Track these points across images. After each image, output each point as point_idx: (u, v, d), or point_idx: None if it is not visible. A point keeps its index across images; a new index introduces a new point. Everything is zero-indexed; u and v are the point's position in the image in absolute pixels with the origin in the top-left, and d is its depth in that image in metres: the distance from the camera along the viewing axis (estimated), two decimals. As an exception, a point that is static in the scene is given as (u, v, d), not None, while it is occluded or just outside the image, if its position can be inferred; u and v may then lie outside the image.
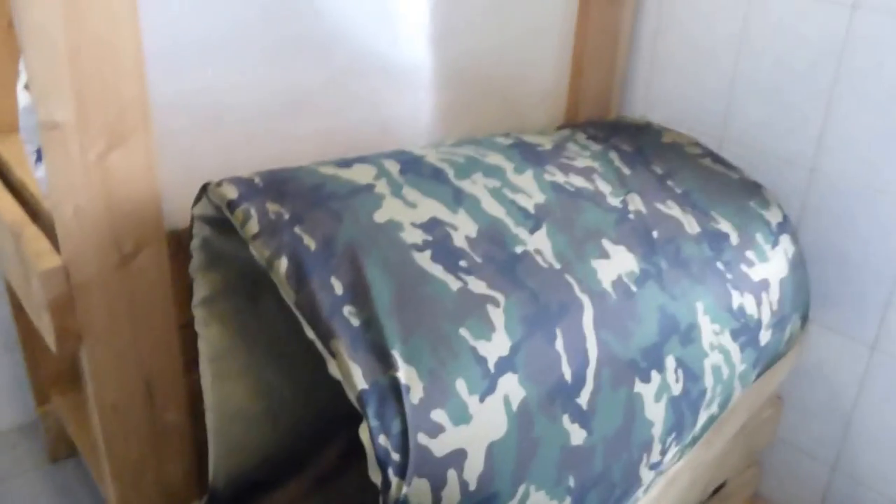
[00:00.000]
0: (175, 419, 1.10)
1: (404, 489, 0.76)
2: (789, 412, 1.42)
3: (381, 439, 0.76)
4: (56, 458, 1.58)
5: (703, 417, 1.04)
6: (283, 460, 1.15)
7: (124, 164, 0.97)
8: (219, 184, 0.92)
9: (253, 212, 0.88)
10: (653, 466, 0.98)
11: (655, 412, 0.95)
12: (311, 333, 0.83)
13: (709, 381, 1.01)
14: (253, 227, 0.87)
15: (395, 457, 0.76)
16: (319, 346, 0.82)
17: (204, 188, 0.93)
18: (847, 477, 1.37)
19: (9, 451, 1.61)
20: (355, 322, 0.82)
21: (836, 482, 1.39)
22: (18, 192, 1.21)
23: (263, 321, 1.11)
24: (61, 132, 0.91)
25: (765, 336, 1.09)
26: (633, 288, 0.96)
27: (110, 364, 1.03)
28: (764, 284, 1.09)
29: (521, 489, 0.83)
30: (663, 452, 0.98)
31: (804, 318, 1.20)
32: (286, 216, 0.88)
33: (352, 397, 0.78)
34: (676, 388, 0.97)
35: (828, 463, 1.39)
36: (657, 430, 0.95)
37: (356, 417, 1.19)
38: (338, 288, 0.84)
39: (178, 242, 1.05)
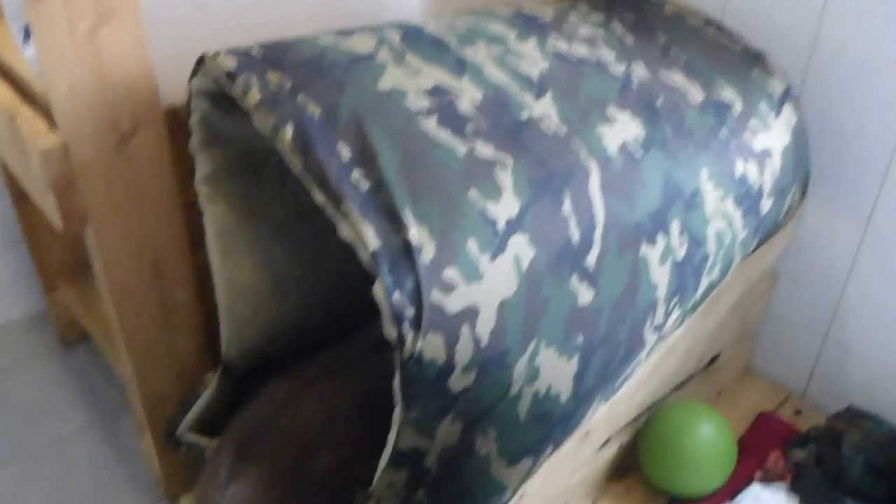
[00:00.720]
0: (184, 296, 1.11)
1: (419, 344, 0.77)
2: (783, 287, 1.44)
3: (396, 295, 0.77)
4: (68, 344, 1.59)
5: (704, 283, 1.05)
6: (293, 337, 1.16)
7: (115, 38, 0.94)
8: (216, 55, 0.89)
9: (254, 81, 0.86)
10: (656, 329, 0.99)
11: (660, 275, 0.95)
12: (319, 198, 0.82)
13: (711, 246, 1.02)
14: (254, 96, 0.85)
15: (410, 312, 0.77)
16: (329, 210, 0.81)
17: (200, 60, 0.90)
18: (837, 347, 1.40)
19: (21, 339, 1.62)
20: (364, 186, 0.81)
21: (826, 353, 1.42)
22: (8, 77, 1.17)
23: (267, 200, 1.09)
24: (47, 5, 0.88)
25: (766, 204, 1.09)
26: (639, 154, 0.95)
27: (117, 243, 1.03)
28: (766, 153, 1.09)
29: (532, 345, 0.84)
30: (666, 315, 0.99)
31: (804, 189, 1.20)
32: (288, 85, 0.86)
33: (364, 258, 0.78)
34: (680, 253, 0.97)
35: (819, 335, 1.42)
36: (661, 293, 0.96)
37: (365, 297, 1.21)
38: (345, 154, 0.82)
39: (176, 120, 1.03)
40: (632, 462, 1.33)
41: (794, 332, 1.45)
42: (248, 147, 1.05)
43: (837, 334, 1.39)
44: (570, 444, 1.09)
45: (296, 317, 1.15)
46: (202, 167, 1.02)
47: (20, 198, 1.46)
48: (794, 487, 1.26)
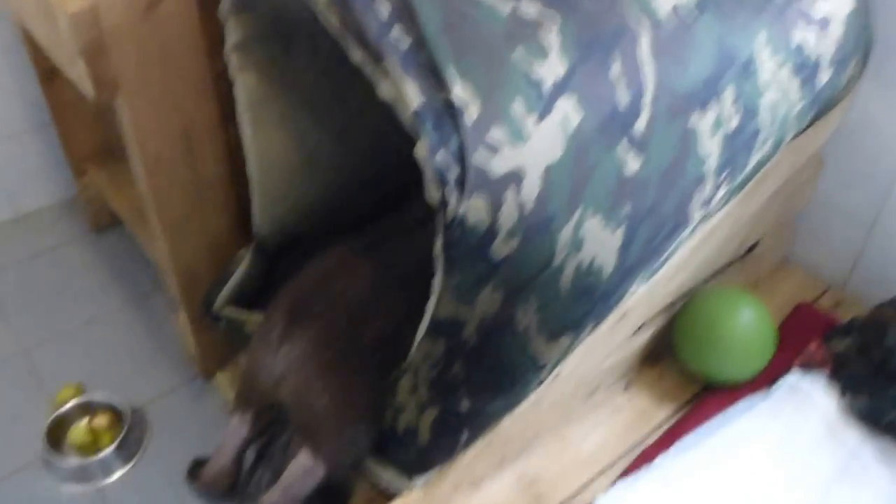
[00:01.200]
0: (216, 171, 1.08)
1: (462, 207, 0.74)
2: (829, 173, 1.39)
3: (440, 155, 0.73)
4: (99, 228, 1.59)
5: (754, 158, 1.00)
6: (324, 215, 1.14)
7: None
8: None
9: (286, -62, 0.81)
10: (703, 204, 0.96)
11: (710, 147, 0.91)
12: (358, 56, 0.78)
13: (765, 118, 0.97)
14: (288, -49, 0.80)
15: (454, 173, 0.74)
16: (368, 68, 0.78)
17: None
18: (883, 237, 1.36)
19: (52, 225, 1.62)
20: (405, 43, 0.76)
21: (871, 243, 1.38)
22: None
23: (299, 71, 1.05)
24: None
25: (823, 76, 1.03)
26: (692, 16, 0.89)
27: (148, 114, 1.00)
28: (826, 20, 1.02)
29: (577, 214, 0.81)
30: (714, 190, 0.96)
31: (864, 62, 1.13)
32: (322, -60, 0.81)
33: (406, 117, 0.75)
34: (732, 124, 0.92)
35: (865, 224, 1.37)
36: (711, 166, 0.92)
37: (396, 179, 1.17)
38: (383, 10, 0.78)
39: (206, -16, 0.98)
40: (665, 348, 1.31)
41: (838, 220, 1.41)
42: (280, 13, 1.00)
43: (885, 224, 1.34)
44: (606, 327, 1.08)
45: (327, 195, 1.12)
46: (232, 34, 0.98)
47: (48, 78, 1.43)
48: (835, 377, 1.23)
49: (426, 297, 0.99)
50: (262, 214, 1.08)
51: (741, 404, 1.21)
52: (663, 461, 1.14)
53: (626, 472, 1.14)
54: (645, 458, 1.15)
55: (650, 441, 1.20)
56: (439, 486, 1.07)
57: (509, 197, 0.76)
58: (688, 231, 0.99)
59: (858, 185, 1.36)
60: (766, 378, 1.24)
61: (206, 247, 1.13)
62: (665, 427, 1.22)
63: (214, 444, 1.15)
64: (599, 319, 0.96)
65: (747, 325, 1.21)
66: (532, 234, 0.79)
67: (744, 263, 1.39)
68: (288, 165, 1.06)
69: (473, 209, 0.75)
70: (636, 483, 1.10)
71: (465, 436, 1.02)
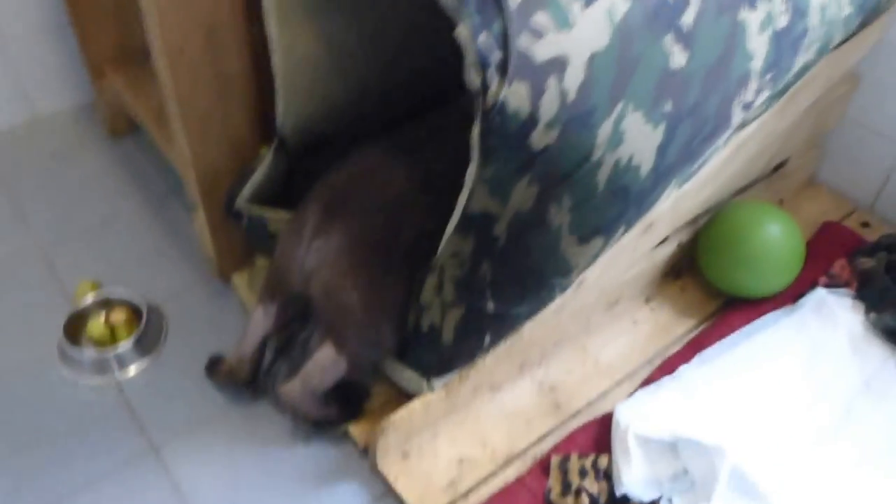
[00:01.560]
0: (239, 67, 1.04)
1: (503, 92, 0.71)
2: (862, 93, 1.34)
3: (482, 37, 0.70)
4: (116, 134, 1.56)
5: (799, 62, 0.96)
6: (348, 117, 1.10)
7: None
8: None
9: None
10: (744, 107, 0.92)
11: (757, 44, 0.87)
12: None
13: (813, 19, 0.92)
14: None
15: (496, 56, 0.70)
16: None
17: None
18: (916, 156, 1.32)
19: (69, 129, 1.59)
20: (448, -80, 0.72)
21: (902, 164, 1.35)
22: None
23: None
24: None
25: (875, -22, 0.98)
26: None
27: (172, 6, 0.95)
28: (883, -83, 0.96)
29: (619, 107, 0.77)
30: (757, 93, 0.92)
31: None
32: None
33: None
34: (781, 22, 0.88)
35: (896, 144, 1.34)
36: (756, 65, 0.88)
37: (424, 84, 1.13)
38: None
39: None
40: (688, 263, 1.30)
41: (869, 141, 1.37)
42: None
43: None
44: (632, 236, 1.06)
45: (353, 96, 1.09)
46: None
47: (64, -28, 1.37)
48: (860, 295, 1.22)
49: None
50: (286, 112, 1.04)
51: (765, 319, 1.20)
52: (685, 371, 1.13)
53: (647, 382, 1.14)
54: (666, 368, 1.15)
55: (671, 353, 1.19)
56: (459, 389, 1.07)
57: (551, 84, 0.73)
58: (726, 135, 0.96)
59: (892, 106, 1.31)
60: (790, 294, 1.23)
61: (227, 145, 1.10)
62: (686, 339, 1.21)
63: (230, 343, 1.15)
64: (630, 223, 0.93)
65: (776, 239, 1.18)
66: (572, 126, 0.76)
67: (770, 181, 1.36)
68: (315, 63, 1.02)
69: (514, 95, 0.72)
70: (657, 392, 1.10)
71: (487, 339, 1.01)
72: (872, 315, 1.19)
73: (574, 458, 1.03)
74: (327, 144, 1.13)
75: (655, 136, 0.83)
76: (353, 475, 1.07)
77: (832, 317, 1.19)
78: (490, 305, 0.97)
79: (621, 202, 0.87)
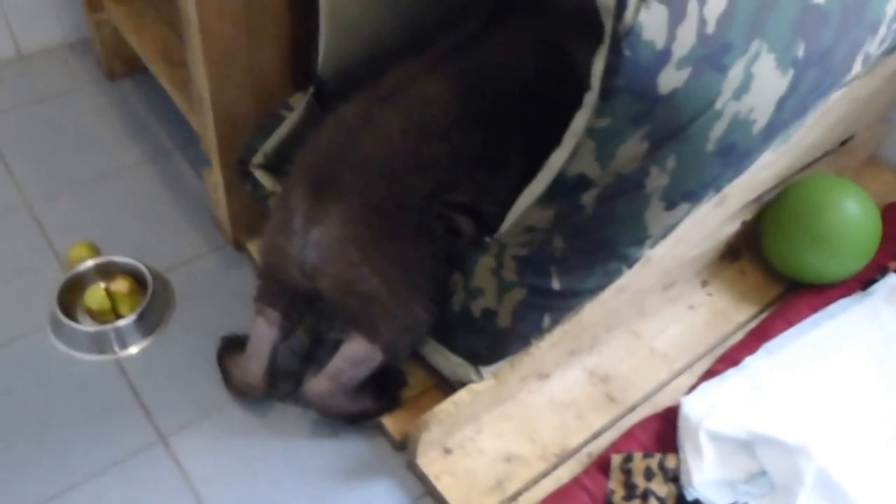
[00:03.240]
0: (271, -3, 0.87)
1: (641, 14, 0.55)
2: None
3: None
4: (113, 74, 1.35)
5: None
6: (393, 58, 0.92)
7: None
8: None
9: None
10: (865, 59, 0.77)
11: (894, -11, 0.72)
12: None
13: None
14: None
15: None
16: None
17: None
18: None
19: (61, 67, 1.37)
20: None
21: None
22: None
23: None
24: None
25: None
26: None
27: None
28: None
29: (754, 46, 0.62)
30: (881, 43, 0.77)
31: None
32: None
33: None
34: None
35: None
36: (890, 10, 0.73)
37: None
38: None
39: None
40: (747, 245, 1.15)
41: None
42: None
43: None
44: (705, 209, 0.91)
45: (404, 32, 0.91)
46: None
47: None
48: (930, 282, 1.09)
49: (470, 143, 0.82)
50: (329, 50, 0.86)
51: (834, 307, 1.06)
52: (751, 363, 0.99)
53: (710, 374, 0.99)
54: (729, 359, 1.01)
55: (731, 342, 1.05)
56: (509, 378, 0.92)
57: (692, 10, 0.58)
58: (843, 84, 0.81)
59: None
60: (858, 280, 1.09)
61: (252, 88, 0.93)
62: (748, 328, 1.07)
63: (246, 320, 0.99)
64: (720, 187, 0.79)
65: (853, 218, 1.04)
66: (704, 66, 0.61)
67: (834, 157, 1.21)
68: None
69: (651, 21, 0.56)
70: (722, 384, 0.96)
71: (547, 321, 0.86)
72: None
73: (638, 457, 0.89)
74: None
75: (781, 85, 0.68)
76: (387, 473, 0.91)
77: (907, 308, 1.05)
78: (555, 284, 0.81)
79: (722, 164, 0.73)
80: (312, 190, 0.81)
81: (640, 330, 1.06)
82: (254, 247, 1.08)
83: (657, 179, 0.70)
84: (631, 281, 0.93)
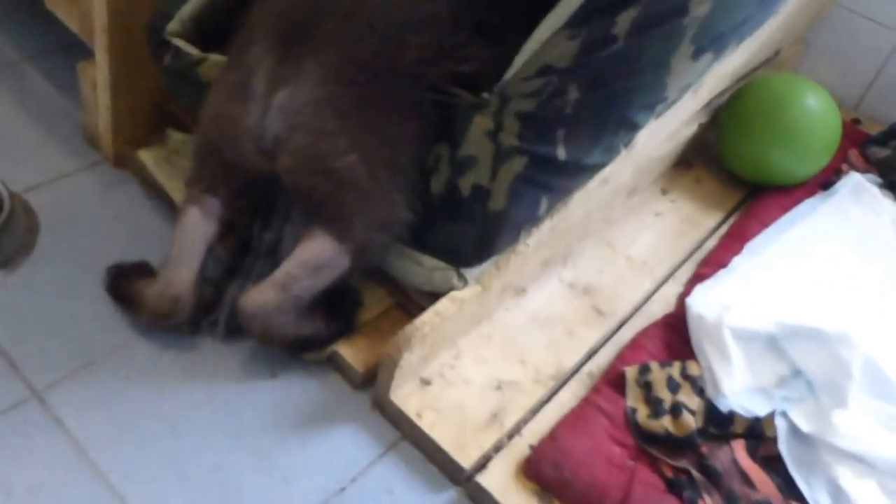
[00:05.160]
0: None
1: None
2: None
3: None
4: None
5: None
6: None
7: None
8: None
9: None
10: None
11: None
12: None
13: None
14: None
15: None
16: None
17: None
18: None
19: None
20: None
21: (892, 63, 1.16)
22: None
23: None
24: None
25: None
26: None
27: None
28: None
29: None
30: None
31: None
32: None
33: None
34: None
35: (887, 43, 1.15)
36: None
37: None
38: None
39: None
40: (699, 152, 1.03)
41: (859, 30, 1.18)
42: None
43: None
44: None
45: None
46: None
47: None
48: (884, 181, 1.02)
49: (473, 4, 0.64)
50: None
51: (803, 206, 0.97)
52: (739, 262, 0.87)
53: (697, 279, 0.86)
54: (715, 262, 0.88)
55: (707, 247, 0.92)
56: (493, 285, 0.72)
57: None
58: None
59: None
60: (816, 183, 1.00)
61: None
62: (719, 233, 0.95)
63: (134, 250, 0.73)
64: (743, 37, 0.65)
65: (817, 110, 0.95)
66: None
67: (765, 70, 1.12)
68: None
69: None
70: (720, 284, 0.82)
71: (543, 206, 0.68)
72: (904, 201, 0.99)
73: (655, 367, 0.72)
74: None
75: None
76: (347, 417, 0.69)
77: (875, 201, 0.98)
78: (561, 152, 0.64)
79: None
80: (280, 42, 0.62)
81: (612, 239, 0.91)
82: (145, 155, 0.81)
83: (700, 5, 0.54)
84: (612, 172, 0.77)
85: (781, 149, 0.95)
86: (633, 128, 0.67)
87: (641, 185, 0.96)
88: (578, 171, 0.67)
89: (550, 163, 0.64)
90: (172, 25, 0.73)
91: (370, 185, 0.63)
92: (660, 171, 0.99)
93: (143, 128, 0.83)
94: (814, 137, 0.94)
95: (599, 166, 0.69)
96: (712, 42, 0.61)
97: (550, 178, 0.65)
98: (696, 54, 0.61)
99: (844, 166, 1.04)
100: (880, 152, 1.07)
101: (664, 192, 0.99)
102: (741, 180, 1.00)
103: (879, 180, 1.02)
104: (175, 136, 0.83)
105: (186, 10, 0.71)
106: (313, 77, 0.61)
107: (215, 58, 0.72)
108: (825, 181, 1.01)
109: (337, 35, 0.62)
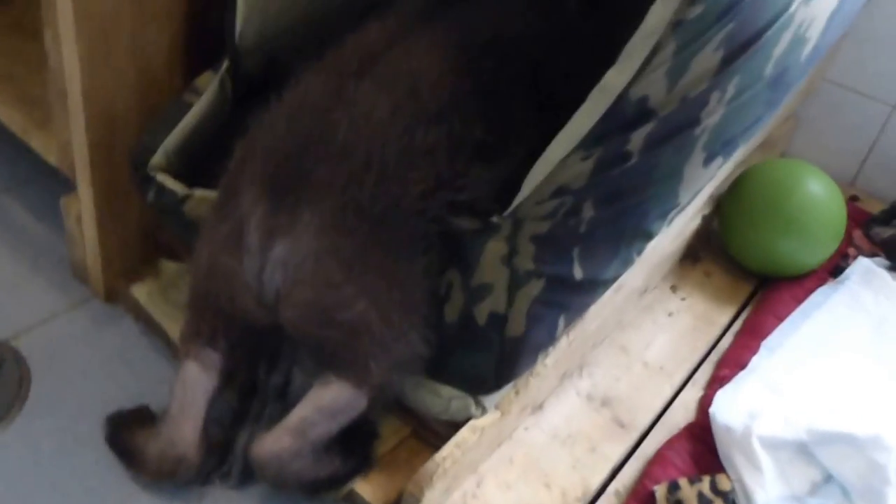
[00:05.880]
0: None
1: None
2: (844, 49, 1.23)
3: None
4: None
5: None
6: (328, 26, 0.76)
7: None
8: None
9: None
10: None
11: None
12: None
13: None
14: None
15: None
16: None
17: None
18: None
19: None
20: None
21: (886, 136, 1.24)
22: None
23: None
24: None
25: None
26: None
27: None
28: None
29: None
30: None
31: None
32: None
33: None
34: None
35: (884, 108, 1.23)
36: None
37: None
38: None
39: None
40: (704, 246, 1.08)
41: (850, 104, 1.26)
42: None
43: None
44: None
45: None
46: None
47: None
48: (891, 263, 1.08)
49: (471, 127, 0.69)
50: (249, 19, 0.69)
51: (816, 297, 1.02)
52: (759, 362, 0.91)
53: (718, 381, 0.89)
54: (733, 363, 0.92)
55: (723, 345, 0.97)
56: (511, 409, 0.75)
57: None
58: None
59: (877, 61, 1.21)
60: (825, 271, 1.06)
61: (136, 75, 0.73)
62: (733, 329, 0.99)
63: (128, 388, 0.75)
64: (751, 137, 0.71)
65: (821, 198, 1.01)
66: None
67: (759, 153, 1.19)
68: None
69: None
70: (742, 388, 0.86)
71: (561, 325, 0.72)
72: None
73: (685, 484, 0.75)
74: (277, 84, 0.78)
75: (831, -1, 0.61)
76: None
77: (884, 288, 1.02)
78: (577, 271, 0.68)
79: (767, 99, 0.67)
80: (272, 190, 0.64)
81: (626, 343, 0.94)
82: (138, 291, 0.84)
83: (712, 114, 0.60)
84: (625, 278, 0.81)
85: (790, 241, 1.00)
86: (648, 237, 0.72)
87: (652, 283, 1.01)
88: (595, 287, 0.71)
89: (567, 283, 0.68)
90: (156, 159, 0.76)
91: (383, 329, 0.66)
92: (669, 267, 1.04)
93: (134, 259, 0.86)
94: (821, 227, 1.00)
95: (615, 279, 0.73)
96: (723, 147, 0.66)
97: (568, 298, 0.69)
98: (708, 161, 0.66)
99: (851, 250, 1.10)
100: (884, 232, 1.13)
101: (674, 289, 1.04)
102: (750, 272, 1.06)
103: (887, 262, 1.08)
104: (169, 267, 0.86)
105: (171, 143, 0.75)
106: (311, 227, 0.64)
107: (200, 194, 0.75)
108: (834, 267, 1.06)
109: (331, 179, 0.65)
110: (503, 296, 0.67)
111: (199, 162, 0.76)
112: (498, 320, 0.68)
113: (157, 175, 0.75)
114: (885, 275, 1.04)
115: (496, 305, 0.68)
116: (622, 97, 0.57)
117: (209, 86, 0.73)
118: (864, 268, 1.04)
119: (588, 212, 0.65)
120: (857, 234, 1.14)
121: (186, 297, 0.72)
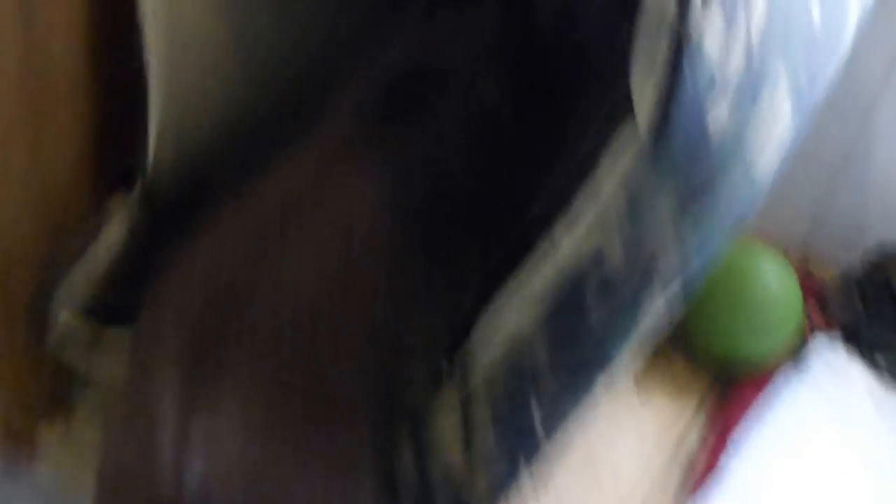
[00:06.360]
0: (63, 49, 0.64)
1: (705, 20, 0.44)
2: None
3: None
4: None
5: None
6: (255, 138, 0.73)
7: None
8: None
9: None
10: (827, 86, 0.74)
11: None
12: None
13: None
14: None
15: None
16: None
17: None
18: (855, 185, 1.25)
19: None
20: None
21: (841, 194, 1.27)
22: None
23: None
24: None
25: None
26: None
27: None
28: None
29: (780, 70, 0.55)
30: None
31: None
32: None
33: None
34: None
35: (831, 171, 1.26)
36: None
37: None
38: None
39: None
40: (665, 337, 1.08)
41: (793, 170, 1.28)
42: None
43: (856, 170, 1.24)
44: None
45: (264, 97, 0.73)
46: None
47: None
48: (851, 340, 1.10)
49: (414, 263, 0.66)
50: (164, 123, 0.65)
51: (779, 385, 1.02)
52: (727, 462, 0.92)
53: (691, 488, 0.89)
54: (706, 465, 0.92)
55: (689, 442, 0.97)
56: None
57: (741, 20, 0.49)
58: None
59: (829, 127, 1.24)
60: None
61: (38, 199, 0.68)
62: (700, 426, 0.99)
63: None
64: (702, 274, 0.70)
65: (778, 282, 1.03)
66: (741, 95, 0.52)
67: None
68: (208, 38, 0.65)
69: (712, 27, 0.46)
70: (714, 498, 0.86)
71: (523, 472, 0.69)
72: (879, 357, 1.08)
73: None
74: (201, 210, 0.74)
75: (787, 120, 0.61)
76: None
77: (844, 373, 1.06)
78: (537, 415, 0.66)
79: (718, 239, 0.66)
80: (192, 354, 0.59)
81: (590, 449, 0.93)
82: (48, 437, 0.78)
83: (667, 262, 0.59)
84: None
85: (750, 324, 1.01)
86: (611, 369, 0.70)
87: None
88: (557, 431, 0.69)
89: (527, 430, 0.66)
90: (71, 284, 0.72)
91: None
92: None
93: (45, 402, 0.81)
94: (782, 322, 1.02)
95: (575, 418, 0.72)
96: (684, 287, 0.66)
97: (528, 444, 0.67)
98: (662, 288, 0.66)
99: (807, 327, 1.12)
100: (843, 316, 1.15)
101: (636, 385, 1.03)
102: (711, 359, 1.06)
103: (843, 342, 1.10)
104: (82, 412, 0.81)
105: (78, 279, 0.69)
106: (236, 399, 0.59)
107: (113, 334, 0.70)
108: (793, 347, 1.08)
109: (256, 344, 0.60)
110: (458, 447, 0.65)
111: (111, 298, 0.72)
112: (453, 474, 0.65)
113: (63, 316, 0.71)
114: (843, 356, 1.07)
115: (451, 458, 0.65)
116: (574, 253, 0.56)
117: (118, 212, 0.69)
118: (823, 351, 1.06)
119: (542, 356, 0.63)
120: (812, 306, 1.16)
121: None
